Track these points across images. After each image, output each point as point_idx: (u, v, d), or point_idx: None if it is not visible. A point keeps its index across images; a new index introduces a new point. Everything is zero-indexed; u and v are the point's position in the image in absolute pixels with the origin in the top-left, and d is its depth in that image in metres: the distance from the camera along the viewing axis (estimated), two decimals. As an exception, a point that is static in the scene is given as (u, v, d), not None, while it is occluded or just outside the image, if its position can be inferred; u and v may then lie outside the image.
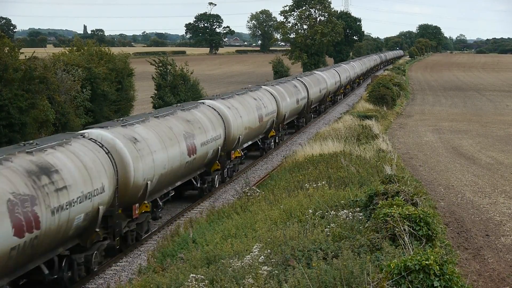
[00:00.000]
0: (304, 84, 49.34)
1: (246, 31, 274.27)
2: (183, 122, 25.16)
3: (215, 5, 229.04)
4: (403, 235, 13.13)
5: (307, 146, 34.09)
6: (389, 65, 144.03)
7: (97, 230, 18.09)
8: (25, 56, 31.94)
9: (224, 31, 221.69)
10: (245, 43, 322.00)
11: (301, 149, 34.28)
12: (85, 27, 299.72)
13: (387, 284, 10.57)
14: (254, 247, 14.00)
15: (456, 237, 20.35)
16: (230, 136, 29.93)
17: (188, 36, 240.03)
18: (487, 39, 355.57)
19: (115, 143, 19.63)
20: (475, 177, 30.17)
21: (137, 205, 20.63)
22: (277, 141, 40.36)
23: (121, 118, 23.70)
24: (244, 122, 31.87)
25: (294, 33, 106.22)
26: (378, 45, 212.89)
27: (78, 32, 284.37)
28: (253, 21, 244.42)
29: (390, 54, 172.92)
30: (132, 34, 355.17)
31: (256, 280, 11.74)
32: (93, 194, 17.23)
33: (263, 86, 40.16)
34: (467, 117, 57.08)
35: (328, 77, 60.94)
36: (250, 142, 34.43)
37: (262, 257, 13.24)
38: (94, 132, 19.74)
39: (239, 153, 31.75)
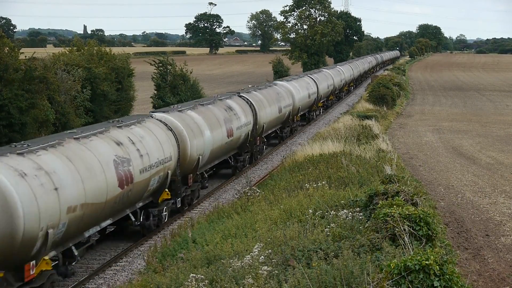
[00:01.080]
0: (250, 104, 34.37)
1: (246, 31, 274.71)
2: None
3: (215, 5, 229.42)
4: (403, 235, 13.13)
5: (307, 146, 34.09)
6: (386, 66, 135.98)
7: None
8: (25, 56, 31.97)
9: (224, 31, 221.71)
10: (245, 43, 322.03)
11: (301, 149, 34.27)
12: (85, 27, 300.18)
13: (387, 284, 10.57)
14: (254, 247, 14.00)
15: (456, 237, 20.36)
16: (17, 239, 14.79)
17: (188, 36, 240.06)
18: (487, 39, 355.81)
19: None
20: (475, 177, 30.17)
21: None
22: (179, 205, 24.44)
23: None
24: (70, 198, 16.49)
25: (294, 33, 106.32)
26: (378, 45, 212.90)
27: (78, 32, 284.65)
28: (253, 21, 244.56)
29: (387, 55, 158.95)
30: (132, 34, 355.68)
31: (256, 280, 11.75)
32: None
33: (157, 114, 25.05)
34: (467, 117, 57.08)
35: (297, 89, 46.15)
36: (99, 227, 19.16)
37: (262, 257, 13.25)
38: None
39: (73, 258, 17.75)
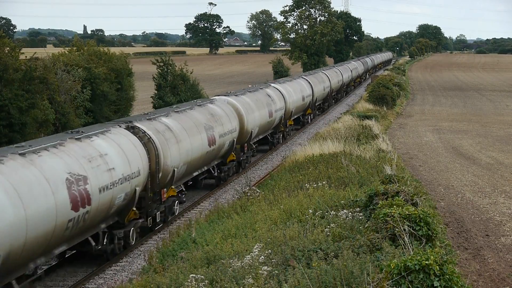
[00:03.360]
0: (236, 108, 31.52)
1: (246, 31, 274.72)
2: None
3: (215, 5, 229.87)
4: (403, 235, 13.13)
5: (307, 146, 34.09)
6: (378, 71, 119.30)
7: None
8: (26, 57, 31.98)
9: (224, 31, 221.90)
10: (245, 43, 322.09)
11: (301, 149, 34.26)
12: (85, 27, 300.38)
13: (387, 284, 10.57)
14: (254, 247, 14.00)
15: (456, 237, 20.35)
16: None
17: (188, 36, 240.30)
18: (487, 39, 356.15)
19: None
20: (475, 177, 30.16)
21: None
22: (150, 223, 22.50)
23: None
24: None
25: (294, 33, 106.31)
26: (378, 45, 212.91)
27: (78, 32, 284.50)
28: (253, 21, 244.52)
29: (379, 58, 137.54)
30: (132, 34, 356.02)
31: (256, 280, 11.74)
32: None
33: (124, 122, 22.27)
34: (467, 117, 57.07)
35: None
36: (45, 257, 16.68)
37: (262, 257, 13.25)
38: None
39: None
